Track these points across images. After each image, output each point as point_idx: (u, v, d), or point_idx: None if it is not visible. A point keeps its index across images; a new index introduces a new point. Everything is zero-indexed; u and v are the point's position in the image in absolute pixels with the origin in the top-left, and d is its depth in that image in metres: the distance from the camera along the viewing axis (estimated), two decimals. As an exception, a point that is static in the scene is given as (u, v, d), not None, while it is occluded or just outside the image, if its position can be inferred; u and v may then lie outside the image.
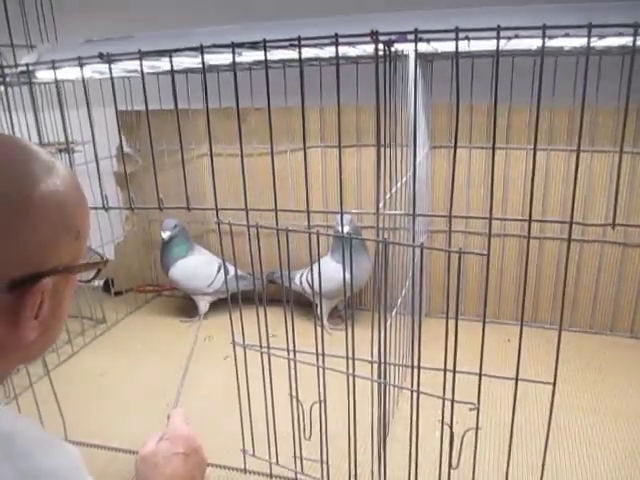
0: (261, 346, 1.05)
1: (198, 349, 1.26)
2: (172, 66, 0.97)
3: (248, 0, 1.98)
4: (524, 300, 0.85)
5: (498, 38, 0.71)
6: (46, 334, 0.58)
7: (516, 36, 0.83)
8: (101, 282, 2.29)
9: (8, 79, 1.34)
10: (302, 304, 1.92)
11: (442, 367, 0.89)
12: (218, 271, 1.95)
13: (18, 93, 1.61)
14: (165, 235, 1.92)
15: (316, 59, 1.52)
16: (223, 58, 1.40)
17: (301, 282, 1.87)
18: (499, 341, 1.69)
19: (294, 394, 1.06)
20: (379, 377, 0.95)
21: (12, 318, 0.51)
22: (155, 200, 0.98)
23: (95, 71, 1.52)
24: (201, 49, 0.91)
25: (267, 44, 0.85)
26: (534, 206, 0.79)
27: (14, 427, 0.51)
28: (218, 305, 1.98)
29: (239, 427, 1.14)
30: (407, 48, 0.97)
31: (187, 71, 1.80)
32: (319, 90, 1.76)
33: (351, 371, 0.97)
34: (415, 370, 0.92)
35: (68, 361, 1.78)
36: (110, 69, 1.05)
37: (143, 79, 0.97)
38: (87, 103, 1.15)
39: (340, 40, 0.79)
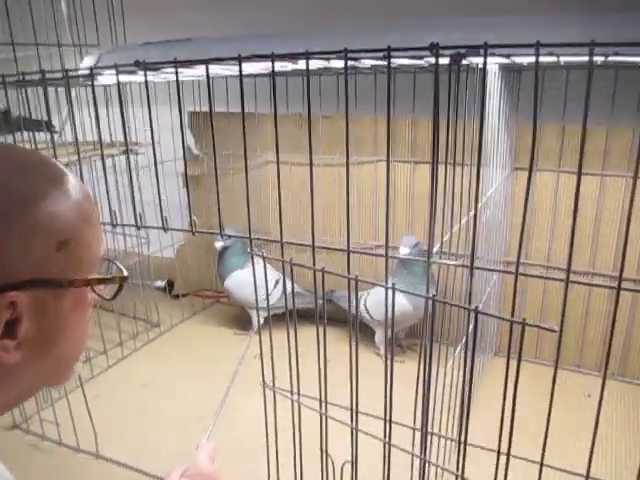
0: (292, 392, 0.93)
1: (245, 368, 1.16)
2: (241, 71, 0.87)
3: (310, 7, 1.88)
4: (609, 350, 0.68)
5: (591, 55, 0.55)
6: (44, 359, 0.52)
7: (616, 53, 0.66)
8: (163, 283, 2.28)
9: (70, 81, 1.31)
10: (360, 327, 1.79)
11: (496, 445, 0.73)
12: (275, 286, 1.86)
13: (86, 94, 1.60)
14: (218, 245, 1.86)
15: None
16: (289, 65, 1.31)
17: (359, 306, 1.74)
18: (577, 395, 1.48)
19: (324, 448, 0.93)
20: (420, 450, 0.80)
21: None
22: (222, 203, 0.91)
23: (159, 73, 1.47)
24: (272, 58, 0.80)
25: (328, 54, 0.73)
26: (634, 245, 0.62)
27: None
28: (274, 320, 1.89)
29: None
30: (481, 61, 0.81)
31: (255, 75, 1.72)
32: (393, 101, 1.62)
33: (388, 437, 0.83)
34: (462, 447, 0.77)
35: (117, 365, 1.75)
36: (177, 73, 0.97)
37: (209, 83, 0.89)
38: (148, 104, 1.08)
39: (395, 54, 0.66)
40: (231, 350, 1.82)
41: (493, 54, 0.65)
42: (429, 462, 0.81)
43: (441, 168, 0.79)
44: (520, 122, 1.50)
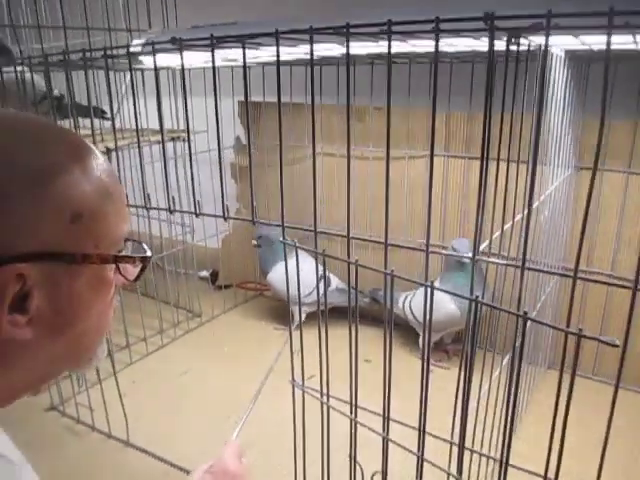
0: (321, 394, 0.88)
1: (283, 364, 1.12)
2: (278, 54, 0.82)
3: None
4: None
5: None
6: (59, 339, 0.50)
7: None
8: (207, 273, 2.27)
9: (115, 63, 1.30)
10: (405, 329, 1.72)
11: (542, 468, 0.66)
12: (319, 281, 1.81)
13: (136, 79, 1.59)
14: (254, 242, 1.86)
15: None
16: (336, 48, 1.25)
17: (404, 306, 1.67)
18: None
19: (353, 455, 0.87)
20: (457, 469, 0.73)
21: None
22: (267, 195, 0.87)
23: (206, 60, 1.44)
24: (310, 33, 0.74)
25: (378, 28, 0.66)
26: None
27: None
28: (313, 317, 1.84)
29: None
30: (551, 43, 0.73)
31: (305, 63, 1.67)
32: (447, 92, 1.54)
33: (422, 450, 0.77)
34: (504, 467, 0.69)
35: (156, 353, 1.75)
36: (213, 56, 0.93)
37: (244, 63, 0.85)
38: (183, 86, 1.05)
39: (443, 26, 0.59)
40: (269, 345, 1.78)
41: (558, 27, 0.57)
42: (465, 482, 0.73)
43: (494, 164, 0.72)
44: (587, 117, 1.38)
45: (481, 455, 0.86)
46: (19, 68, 1.28)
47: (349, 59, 0.72)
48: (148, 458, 1.26)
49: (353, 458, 0.86)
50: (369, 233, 1.76)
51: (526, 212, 0.79)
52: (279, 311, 2.01)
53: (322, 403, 0.88)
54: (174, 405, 1.46)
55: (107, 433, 1.33)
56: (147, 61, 1.36)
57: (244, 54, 0.85)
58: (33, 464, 0.48)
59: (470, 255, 0.70)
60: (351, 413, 0.84)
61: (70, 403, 1.42)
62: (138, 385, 1.53)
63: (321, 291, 1.68)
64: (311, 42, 0.75)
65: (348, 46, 0.71)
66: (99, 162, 0.51)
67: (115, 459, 1.27)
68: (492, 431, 0.97)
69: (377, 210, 1.76)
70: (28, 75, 1.28)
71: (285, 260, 0.90)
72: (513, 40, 0.65)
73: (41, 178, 0.46)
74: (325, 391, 0.87)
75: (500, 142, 0.73)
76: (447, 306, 1.48)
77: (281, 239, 0.86)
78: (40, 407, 1.44)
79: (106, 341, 1.27)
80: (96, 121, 1.51)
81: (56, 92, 1.56)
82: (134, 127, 1.70)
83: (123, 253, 0.53)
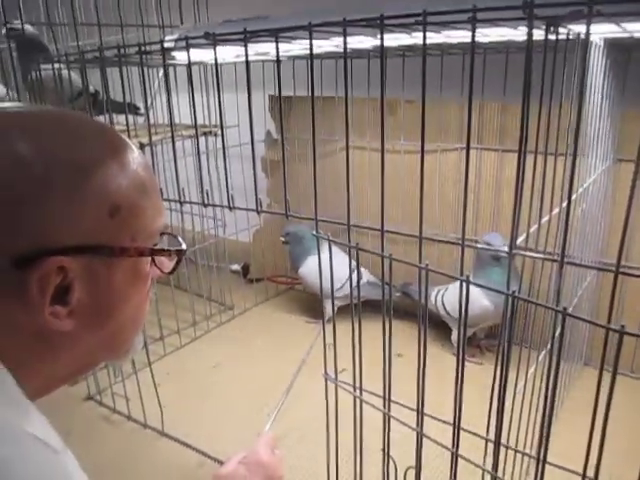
0: (354, 387, 0.87)
1: (316, 357, 1.12)
2: (312, 47, 0.81)
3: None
4: None
5: None
6: (97, 330, 0.52)
7: None
8: (239, 266, 2.29)
9: (149, 59, 1.31)
10: (438, 325, 1.70)
11: (580, 466, 0.64)
12: (351, 274, 1.81)
13: (170, 74, 1.60)
14: (283, 238, 1.88)
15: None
16: (368, 41, 1.24)
17: (436, 301, 1.65)
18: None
19: (386, 450, 0.87)
20: (493, 466, 0.72)
21: (23, 299, 0.46)
22: (297, 189, 0.87)
23: (238, 55, 1.45)
24: (344, 26, 0.73)
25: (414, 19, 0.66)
26: None
27: None
28: (344, 311, 1.84)
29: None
30: (583, 29, 0.71)
31: (336, 56, 1.66)
32: (481, 84, 1.51)
33: (456, 446, 0.76)
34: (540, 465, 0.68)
35: (189, 345, 1.77)
36: (246, 50, 0.93)
37: (277, 56, 0.84)
38: (217, 81, 1.05)
39: (480, 16, 0.58)
40: (301, 338, 1.79)
41: (599, 15, 0.55)
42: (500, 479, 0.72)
43: (531, 156, 0.70)
44: (626, 107, 1.34)
45: (516, 452, 0.85)
46: (56, 65, 1.31)
47: (383, 52, 0.71)
48: (183, 448, 1.28)
49: (386, 452, 0.86)
50: (400, 227, 1.74)
51: (565, 205, 0.78)
52: (310, 304, 2.02)
53: (355, 397, 0.87)
54: (208, 396, 1.48)
55: (142, 423, 1.36)
56: (180, 56, 1.37)
57: (277, 48, 0.85)
58: (71, 452, 0.50)
59: (506, 249, 0.69)
60: (384, 407, 0.83)
61: (107, 393, 1.45)
62: (172, 376, 1.56)
63: (353, 284, 1.68)
64: (344, 35, 0.75)
65: (382, 38, 0.70)
66: (135, 156, 0.52)
67: (151, 449, 1.30)
68: (527, 428, 0.95)
69: (408, 204, 1.75)
70: (65, 72, 1.31)
71: (318, 254, 0.90)
72: (552, 29, 0.63)
73: (82, 173, 0.47)
74: (358, 385, 0.87)
75: (538, 134, 0.72)
76: (480, 301, 1.47)
77: (313, 233, 0.86)
78: (78, 397, 1.48)
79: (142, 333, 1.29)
80: (130, 117, 1.53)
81: (91, 88, 1.58)
82: (166, 122, 1.72)
83: (159, 246, 0.54)
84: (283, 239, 1.90)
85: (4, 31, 1.49)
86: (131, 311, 0.54)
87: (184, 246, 0.56)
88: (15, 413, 0.45)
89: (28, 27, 1.54)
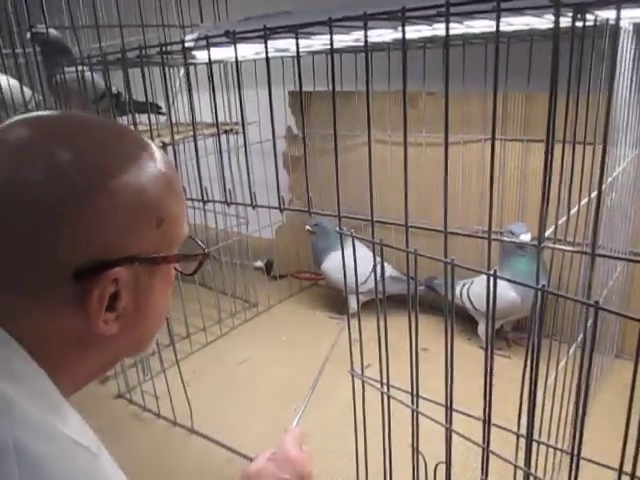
0: (381, 384, 0.87)
1: (341, 352, 1.12)
2: (332, 43, 0.81)
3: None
4: None
5: None
6: (135, 330, 0.56)
7: None
8: (262, 263, 2.29)
9: (170, 59, 1.32)
10: (463, 318, 1.69)
11: (616, 462, 0.63)
12: (373, 269, 1.80)
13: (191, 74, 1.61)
14: (308, 228, 1.89)
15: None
16: (387, 34, 1.23)
17: (462, 295, 1.64)
18: None
19: (415, 446, 0.87)
20: (525, 462, 0.71)
21: (81, 308, 0.49)
22: (319, 184, 0.86)
23: (257, 52, 1.45)
24: (365, 20, 0.73)
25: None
26: None
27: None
28: (369, 306, 1.83)
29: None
30: (612, 15, 0.69)
31: (356, 50, 1.65)
32: (504, 73, 1.49)
33: (487, 442, 0.75)
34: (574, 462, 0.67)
35: (215, 342, 1.79)
36: (266, 47, 0.93)
37: (298, 53, 0.84)
38: (238, 78, 1.06)
39: (505, 5, 0.57)
40: (325, 334, 1.79)
41: (630, 0, 0.53)
42: (536, 477, 0.71)
43: (558, 146, 0.69)
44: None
45: (548, 447, 0.84)
46: (79, 68, 1.32)
47: (405, 44, 0.71)
48: (212, 445, 1.29)
49: (415, 449, 0.85)
50: (423, 220, 1.72)
51: (595, 195, 0.76)
52: (334, 300, 2.02)
53: (382, 393, 0.87)
54: (235, 393, 1.49)
55: (172, 420, 1.37)
56: (200, 55, 1.38)
57: (297, 44, 0.85)
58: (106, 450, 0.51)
59: (535, 242, 0.68)
60: (412, 403, 0.83)
61: (136, 391, 1.47)
62: (199, 374, 1.57)
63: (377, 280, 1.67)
64: (365, 28, 0.74)
65: (404, 31, 0.69)
66: (172, 167, 0.56)
67: (181, 446, 1.31)
68: (559, 422, 0.94)
69: (430, 197, 1.73)
70: (88, 74, 1.32)
71: (342, 250, 0.89)
72: (579, 16, 0.61)
73: (138, 189, 0.50)
74: (385, 381, 0.87)
75: (566, 123, 0.70)
76: (507, 294, 1.45)
77: (337, 229, 0.85)
78: (109, 395, 1.50)
79: (168, 331, 1.31)
80: (152, 116, 1.55)
81: (114, 89, 1.60)
82: (188, 121, 1.73)
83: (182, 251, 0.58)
84: (310, 229, 1.89)
85: (29, 35, 1.51)
86: (159, 312, 0.58)
87: (207, 250, 0.61)
88: (54, 416, 0.46)
89: (52, 31, 1.56)
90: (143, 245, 0.52)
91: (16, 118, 0.52)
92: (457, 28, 1.04)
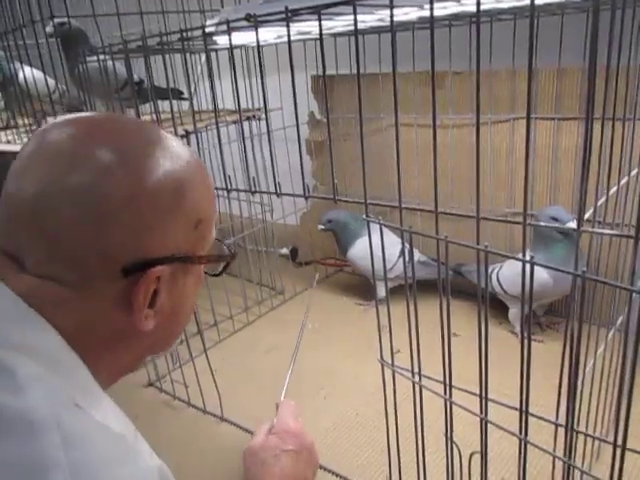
0: (412, 373, 0.85)
1: (369, 339, 1.11)
2: (356, 23, 0.78)
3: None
4: None
5: None
6: (166, 327, 0.58)
7: None
8: (287, 250, 2.28)
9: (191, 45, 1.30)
10: (493, 302, 1.65)
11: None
12: (400, 255, 1.77)
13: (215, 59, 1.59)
14: (321, 227, 1.87)
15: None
16: (413, 12, 1.19)
17: (491, 279, 1.60)
18: None
19: (449, 436, 0.85)
20: (565, 452, 0.68)
21: (126, 303, 0.52)
22: (343, 169, 0.85)
23: (279, 35, 1.42)
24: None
25: None
26: None
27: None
28: (397, 292, 1.81)
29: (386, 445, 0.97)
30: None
31: (380, 31, 1.61)
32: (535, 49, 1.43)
33: (524, 432, 0.73)
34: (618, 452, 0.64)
35: (242, 330, 1.79)
36: (288, 30, 0.90)
37: (320, 35, 0.82)
38: (260, 62, 1.03)
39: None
40: (353, 320, 1.78)
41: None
42: (576, 467, 0.69)
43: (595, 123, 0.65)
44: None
45: (589, 437, 0.81)
46: (101, 57, 1.31)
47: (433, 23, 0.68)
48: (242, 433, 1.30)
49: (450, 439, 0.84)
50: (450, 204, 1.69)
51: (635, 173, 0.73)
52: (360, 286, 2.00)
53: (414, 383, 0.85)
54: (264, 381, 1.48)
55: (202, 409, 1.38)
56: (221, 40, 1.35)
57: (320, 25, 0.82)
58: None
59: (574, 225, 0.65)
60: (445, 393, 0.81)
61: (166, 380, 1.48)
62: (228, 362, 1.57)
63: (405, 265, 1.65)
64: (391, 7, 0.72)
65: (432, 8, 0.66)
66: (205, 170, 0.59)
67: (212, 434, 1.32)
68: (597, 410, 0.91)
69: (458, 180, 1.70)
70: (109, 63, 1.31)
71: (369, 236, 0.87)
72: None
73: (180, 191, 0.53)
74: (416, 370, 0.85)
75: (605, 98, 0.67)
76: (540, 276, 1.41)
77: (363, 217, 0.83)
78: (140, 383, 1.51)
79: (195, 320, 1.31)
80: (174, 103, 1.53)
81: (135, 77, 1.59)
82: (210, 108, 1.72)
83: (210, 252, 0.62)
84: (323, 227, 1.87)
85: (49, 28, 1.51)
86: (189, 309, 0.62)
87: (233, 250, 0.67)
88: (92, 403, 0.49)
89: (73, 21, 1.56)
90: (183, 245, 0.54)
91: (58, 119, 0.54)
92: (487, 3, 1.01)
